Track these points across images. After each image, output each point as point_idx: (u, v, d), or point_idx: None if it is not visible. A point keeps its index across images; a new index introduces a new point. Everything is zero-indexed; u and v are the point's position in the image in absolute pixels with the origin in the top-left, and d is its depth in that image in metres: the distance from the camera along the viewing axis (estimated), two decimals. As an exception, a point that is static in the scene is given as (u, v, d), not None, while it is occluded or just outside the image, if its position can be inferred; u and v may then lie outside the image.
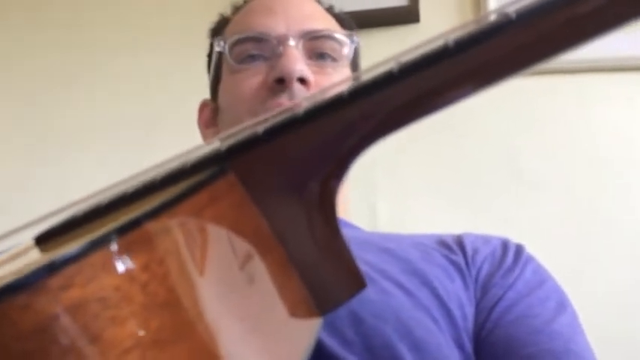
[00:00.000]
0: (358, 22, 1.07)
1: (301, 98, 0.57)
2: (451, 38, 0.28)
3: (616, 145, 1.06)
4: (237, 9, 0.70)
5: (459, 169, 1.09)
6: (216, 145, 0.32)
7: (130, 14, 1.26)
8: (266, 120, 0.31)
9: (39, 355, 0.20)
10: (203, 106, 0.73)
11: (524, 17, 0.26)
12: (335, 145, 0.31)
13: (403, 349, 0.46)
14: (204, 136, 0.71)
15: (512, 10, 0.26)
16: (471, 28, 0.28)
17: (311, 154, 0.31)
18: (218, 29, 0.71)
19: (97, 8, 1.28)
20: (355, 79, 0.31)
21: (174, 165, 0.33)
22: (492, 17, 0.27)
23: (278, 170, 0.31)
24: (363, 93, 0.29)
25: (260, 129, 0.31)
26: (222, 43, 0.64)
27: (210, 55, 0.71)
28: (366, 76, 0.30)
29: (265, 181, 0.31)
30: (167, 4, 1.25)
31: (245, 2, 0.70)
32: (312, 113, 0.30)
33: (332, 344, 0.46)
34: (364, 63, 0.80)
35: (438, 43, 0.28)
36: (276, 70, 0.58)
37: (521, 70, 0.28)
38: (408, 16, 1.12)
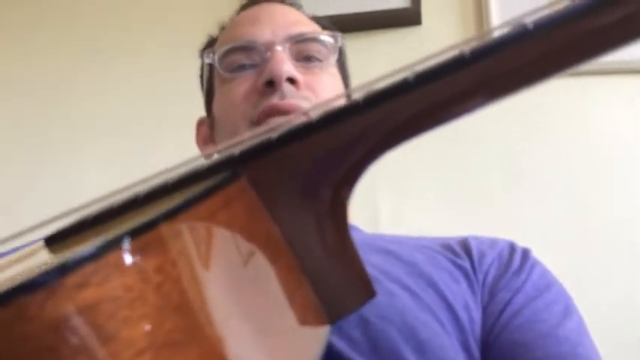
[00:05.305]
0: (359, 24, 1.08)
1: (299, 101, 0.58)
2: (467, 48, 0.28)
3: (618, 148, 1.07)
4: (224, 28, 0.72)
5: (461, 171, 1.09)
6: (229, 150, 0.32)
7: (131, 15, 1.26)
8: (280, 126, 0.31)
9: (53, 353, 0.19)
10: (200, 124, 0.74)
11: (542, 28, 0.26)
12: (348, 153, 0.31)
13: (408, 350, 0.46)
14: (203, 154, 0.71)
15: (529, 20, 0.26)
16: (487, 38, 0.28)
17: (324, 160, 0.31)
18: (207, 47, 0.72)
19: (98, 9, 1.28)
20: (369, 87, 0.31)
21: (184, 170, 0.33)
22: (509, 27, 0.27)
23: (290, 176, 0.31)
24: (378, 101, 0.29)
25: (274, 135, 0.31)
26: (211, 55, 0.65)
27: (201, 75, 0.72)
28: (381, 84, 0.30)
29: (277, 187, 0.31)
30: (169, 5, 1.26)
31: (231, 19, 0.71)
32: (327, 120, 0.30)
33: (340, 345, 0.46)
34: (366, 64, 0.80)
35: (454, 53, 0.28)
36: (265, 73, 0.60)
37: (536, 83, 0.28)
38: (409, 18, 1.12)
